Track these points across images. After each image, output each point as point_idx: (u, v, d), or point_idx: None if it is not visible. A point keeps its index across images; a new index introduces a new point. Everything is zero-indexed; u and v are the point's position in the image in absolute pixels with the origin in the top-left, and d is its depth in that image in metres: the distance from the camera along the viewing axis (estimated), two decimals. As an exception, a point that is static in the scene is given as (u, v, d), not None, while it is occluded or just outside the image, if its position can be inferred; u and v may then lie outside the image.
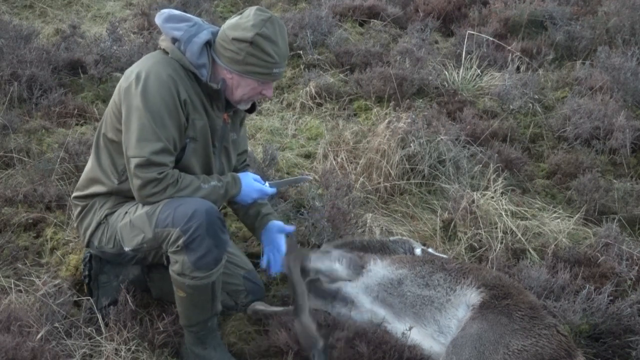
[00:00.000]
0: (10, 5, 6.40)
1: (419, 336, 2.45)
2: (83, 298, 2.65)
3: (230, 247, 2.48)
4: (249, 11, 2.37)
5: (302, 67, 5.28)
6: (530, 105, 4.70)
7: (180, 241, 2.27)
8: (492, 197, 3.56)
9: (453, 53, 5.62)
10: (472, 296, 2.46)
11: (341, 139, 4.04)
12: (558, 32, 5.69)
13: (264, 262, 2.71)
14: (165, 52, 2.40)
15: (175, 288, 2.38)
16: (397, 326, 2.49)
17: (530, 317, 2.34)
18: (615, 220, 3.43)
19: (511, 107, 4.70)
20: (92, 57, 4.83)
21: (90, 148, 2.69)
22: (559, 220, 3.56)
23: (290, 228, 2.71)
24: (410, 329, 2.42)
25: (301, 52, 5.43)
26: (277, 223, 2.72)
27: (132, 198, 2.43)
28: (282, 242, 2.68)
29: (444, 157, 3.81)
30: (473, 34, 5.53)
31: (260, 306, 2.72)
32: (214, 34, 2.41)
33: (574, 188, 3.80)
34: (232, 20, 2.39)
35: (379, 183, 3.69)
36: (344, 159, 3.86)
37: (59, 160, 3.50)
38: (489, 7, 6.47)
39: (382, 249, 2.84)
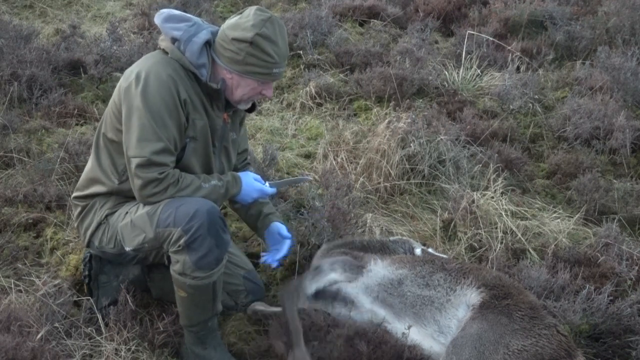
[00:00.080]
0: (10, 5, 6.40)
1: (419, 336, 2.45)
2: (83, 298, 2.65)
3: (231, 247, 2.48)
4: (249, 11, 2.37)
5: (302, 67, 5.28)
6: (530, 105, 4.69)
7: (182, 241, 2.27)
8: (492, 197, 3.56)
9: (453, 53, 5.62)
10: (472, 296, 2.46)
11: (341, 139, 4.04)
12: (558, 32, 5.69)
13: (268, 259, 2.72)
14: (165, 52, 2.40)
15: (176, 288, 2.38)
16: (397, 326, 2.49)
17: (530, 317, 2.34)
18: (615, 220, 3.43)
19: (511, 107, 4.70)
20: (92, 57, 4.83)
21: (90, 148, 2.69)
22: (559, 220, 3.56)
23: (289, 235, 2.73)
24: (409, 328, 2.42)
25: (301, 52, 5.43)
26: (279, 226, 2.73)
27: (133, 198, 2.43)
28: (285, 246, 2.70)
29: (444, 157, 3.81)
30: (473, 34, 5.53)
31: (260, 306, 2.72)
32: (214, 34, 2.41)
33: (574, 188, 3.80)
34: (232, 20, 2.39)
35: (379, 183, 3.69)
36: (344, 159, 3.86)
37: (59, 160, 3.50)
38: (489, 7, 6.47)
39: (382, 249, 2.84)
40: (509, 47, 5.50)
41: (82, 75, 4.75)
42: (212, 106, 2.46)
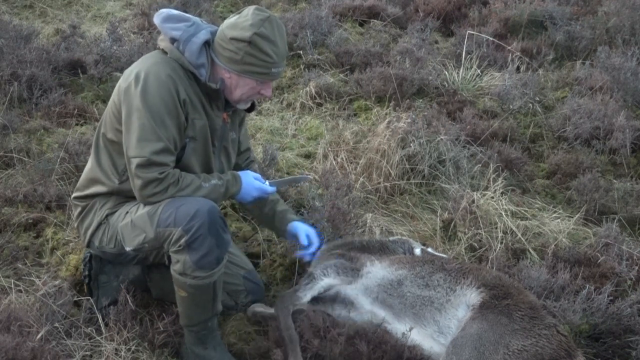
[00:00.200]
0: (10, 5, 6.41)
1: (419, 336, 2.45)
2: (83, 298, 2.65)
3: (231, 247, 2.48)
4: (248, 10, 2.37)
5: (302, 67, 5.28)
6: (530, 105, 4.69)
7: (182, 241, 2.27)
8: (492, 197, 3.55)
9: (453, 53, 5.62)
10: (472, 296, 2.46)
11: (341, 139, 4.04)
12: (558, 32, 5.69)
13: (303, 255, 2.78)
14: (164, 52, 2.40)
15: (177, 288, 2.38)
16: (397, 327, 2.49)
17: (530, 317, 2.34)
18: (615, 220, 3.43)
19: (511, 107, 4.70)
20: (92, 57, 4.83)
21: (90, 148, 2.69)
22: (559, 220, 3.55)
23: (311, 228, 2.80)
24: (410, 329, 2.42)
25: (301, 52, 5.43)
26: (297, 225, 2.77)
27: (133, 198, 2.43)
28: (315, 238, 2.77)
29: (444, 157, 3.81)
30: (473, 34, 5.53)
31: (259, 308, 2.71)
32: (213, 34, 2.41)
33: (574, 188, 3.80)
34: (231, 19, 2.39)
35: (379, 183, 3.69)
36: (344, 159, 3.86)
37: (59, 160, 3.50)
38: (489, 7, 6.48)
39: (382, 249, 2.84)
40: (509, 47, 5.50)
41: (82, 75, 4.76)
42: (212, 106, 2.47)
